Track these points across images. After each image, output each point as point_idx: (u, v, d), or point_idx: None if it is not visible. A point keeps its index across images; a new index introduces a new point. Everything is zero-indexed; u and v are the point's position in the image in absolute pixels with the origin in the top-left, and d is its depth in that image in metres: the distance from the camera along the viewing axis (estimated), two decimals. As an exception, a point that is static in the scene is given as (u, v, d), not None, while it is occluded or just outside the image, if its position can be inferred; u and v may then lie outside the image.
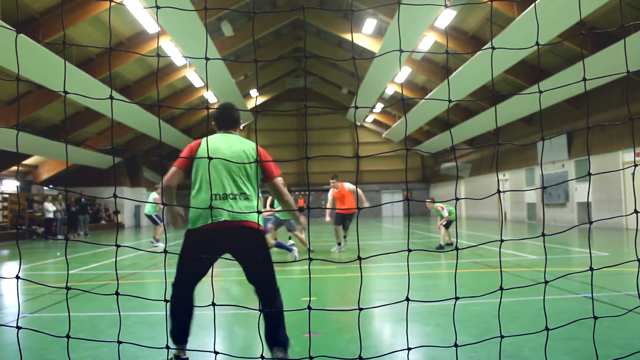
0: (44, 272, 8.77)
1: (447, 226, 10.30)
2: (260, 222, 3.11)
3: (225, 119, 3.35)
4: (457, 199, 2.34)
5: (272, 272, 3.12)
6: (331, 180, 10.44)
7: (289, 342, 3.06)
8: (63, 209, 19.23)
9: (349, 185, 10.39)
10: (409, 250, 2.39)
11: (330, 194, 10.61)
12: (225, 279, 7.26)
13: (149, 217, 12.75)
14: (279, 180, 3.30)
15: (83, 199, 20.36)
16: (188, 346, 3.14)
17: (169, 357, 3.05)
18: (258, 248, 3.07)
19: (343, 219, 10.33)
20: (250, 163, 3.06)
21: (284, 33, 26.41)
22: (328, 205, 10.60)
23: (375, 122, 35.18)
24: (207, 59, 2.38)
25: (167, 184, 3.12)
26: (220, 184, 3.04)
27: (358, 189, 9.30)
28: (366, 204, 10.27)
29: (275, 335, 3.00)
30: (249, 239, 3.04)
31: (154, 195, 12.93)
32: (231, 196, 3.02)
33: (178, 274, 3.08)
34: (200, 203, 2.99)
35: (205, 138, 3.11)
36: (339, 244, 10.38)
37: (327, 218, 11.29)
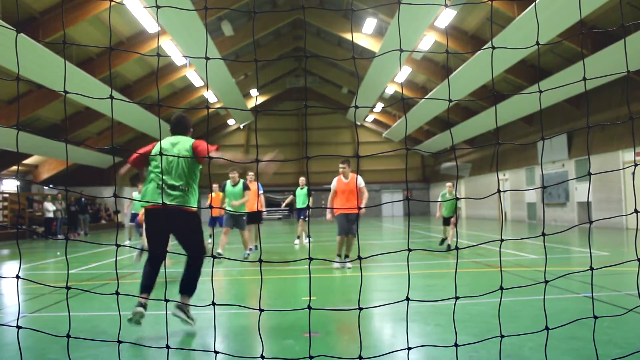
0: (43, 271, 8.77)
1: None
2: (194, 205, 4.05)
3: (176, 125, 4.29)
4: (457, 199, 2.34)
5: (199, 242, 4.08)
6: (341, 165, 7.77)
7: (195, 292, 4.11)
8: (63, 208, 19.23)
9: (361, 180, 7.67)
10: (409, 250, 2.39)
11: (334, 185, 7.90)
12: (224, 278, 7.26)
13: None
14: (215, 154, 3.82)
15: (83, 199, 20.35)
16: (188, 345, 3.42)
17: (136, 305, 3.82)
18: (187, 224, 4.03)
19: (349, 223, 7.79)
20: (188, 158, 3.95)
21: (284, 32, 26.41)
22: (329, 198, 8.00)
23: (375, 121, 35.18)
24: (207, 58, 2.38)
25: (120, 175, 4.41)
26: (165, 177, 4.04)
27: (366, 191, 7.81)
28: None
29: (189, 285, 4.06)
30: (183, 218, 4.00)
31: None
32: (171, 187, 4.00)
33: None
34: (148, 190, 4.07)
35: (159, 141, 3.88)
36: (340, 255, 7.84)
37: (329, 216, 8.24)
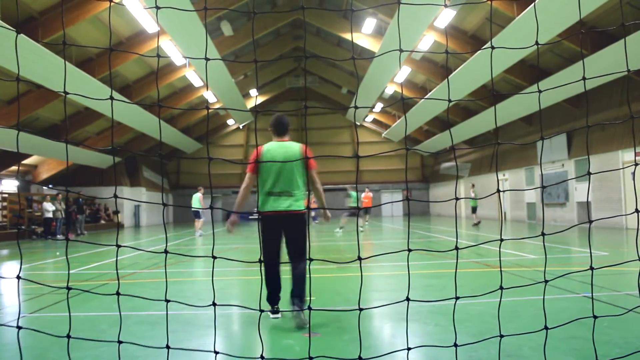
0: (43, 271, 8.77)
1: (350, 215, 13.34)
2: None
3: (284, 126, 4.78)
4: (457, 199, 2.34)
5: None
6: None
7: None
8: (62, 208, 19.22)
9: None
10: (409, 250, 2.39)
11: None
12: (225, 278, 7.25)
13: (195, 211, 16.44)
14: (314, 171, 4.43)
15: (80, 199, 20.36)
16: (188, 345, 3.24)
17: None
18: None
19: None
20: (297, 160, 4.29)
21: (284, 32, 26.41)
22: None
23: (374, 121, 35.18)
24: (207, 59, 2.38)
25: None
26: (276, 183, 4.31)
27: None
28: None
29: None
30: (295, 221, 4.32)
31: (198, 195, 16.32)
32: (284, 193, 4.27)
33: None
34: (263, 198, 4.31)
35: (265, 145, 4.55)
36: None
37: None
